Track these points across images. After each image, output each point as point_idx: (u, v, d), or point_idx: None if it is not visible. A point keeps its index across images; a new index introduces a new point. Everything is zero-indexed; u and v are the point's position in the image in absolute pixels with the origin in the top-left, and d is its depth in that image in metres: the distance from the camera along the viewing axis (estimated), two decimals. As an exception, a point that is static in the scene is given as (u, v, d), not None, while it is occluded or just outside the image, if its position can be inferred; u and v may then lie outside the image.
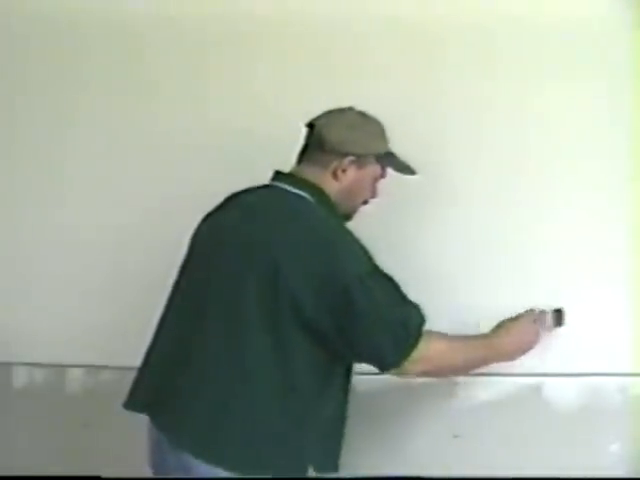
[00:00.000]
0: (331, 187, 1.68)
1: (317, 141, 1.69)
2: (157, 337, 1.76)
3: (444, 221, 2.09)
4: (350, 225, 1.73)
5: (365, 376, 2.03)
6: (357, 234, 1.65)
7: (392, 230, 2.07)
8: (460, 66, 2.12)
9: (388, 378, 2.04)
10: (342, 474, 2.00)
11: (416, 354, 1.58)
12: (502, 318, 1.83)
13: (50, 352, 2.25)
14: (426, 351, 1.60)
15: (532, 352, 2.01)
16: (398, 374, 1.64)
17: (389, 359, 1.59)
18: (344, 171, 1.68)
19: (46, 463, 2.17)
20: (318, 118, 1.72)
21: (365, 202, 1.78)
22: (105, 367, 2.22)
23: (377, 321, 1.56)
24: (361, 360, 1.66)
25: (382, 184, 1.81)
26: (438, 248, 2.09)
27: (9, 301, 2.30)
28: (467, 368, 1.79)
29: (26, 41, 2.34)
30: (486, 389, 2.04)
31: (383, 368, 1.62)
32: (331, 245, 1.58)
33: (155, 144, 2.25)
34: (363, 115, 1.73)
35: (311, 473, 1.64)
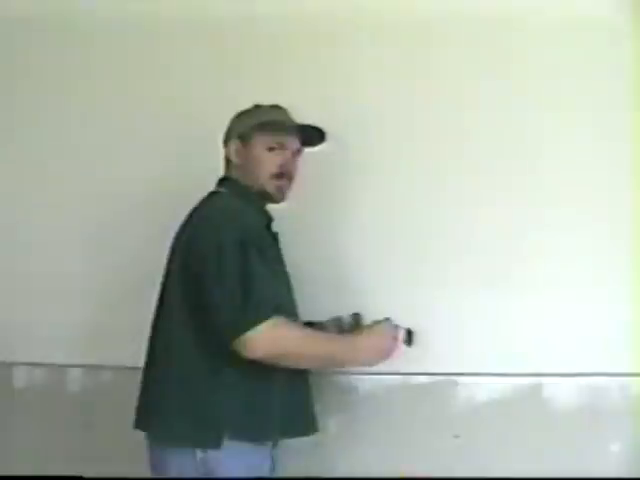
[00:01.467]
0: (235, 172, 1.88)
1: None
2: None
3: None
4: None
5: (366, 376, 2.04)
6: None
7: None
8: (459, 65, 2.12)
9: (389, 379, 2.06)
10: (343, 475, 2.00)
11: (262, 329, 1.62)
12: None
13: (50, 352, 2.25)
14: (272, 331, 1.64)
15: (529, 352, 2.03)
16: (244, 351, 1.64)
17: (227, 322, 1.63)
18: (236, 152, 1.87)
19: (46, 463, 2.18)
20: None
21: (284, 177, 1.86)
22: (105, 367, 2.22)
23: (222, 287, 1.64)
24: (209, 327, 1.67)
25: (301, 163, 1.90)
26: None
27: (9, 301, 2.30)
28: (319, 361, 1.81)
29: (23, 41, 2.36)
30: (486, 389, 2.04)
31: (225, 334, 1.64)
32: (205, 220, 1.75)
33: (154, 147, 2.26)
34: (257, 106, 1.91)
35: (229, 442, 1.66)
